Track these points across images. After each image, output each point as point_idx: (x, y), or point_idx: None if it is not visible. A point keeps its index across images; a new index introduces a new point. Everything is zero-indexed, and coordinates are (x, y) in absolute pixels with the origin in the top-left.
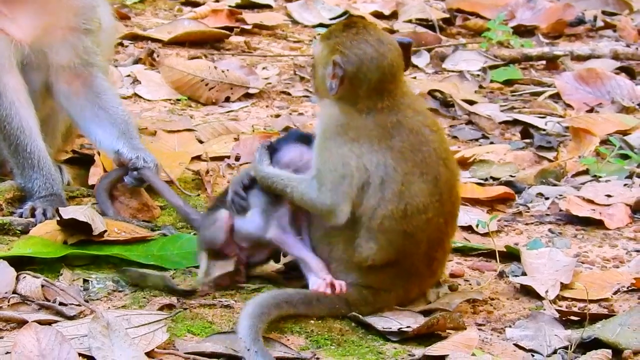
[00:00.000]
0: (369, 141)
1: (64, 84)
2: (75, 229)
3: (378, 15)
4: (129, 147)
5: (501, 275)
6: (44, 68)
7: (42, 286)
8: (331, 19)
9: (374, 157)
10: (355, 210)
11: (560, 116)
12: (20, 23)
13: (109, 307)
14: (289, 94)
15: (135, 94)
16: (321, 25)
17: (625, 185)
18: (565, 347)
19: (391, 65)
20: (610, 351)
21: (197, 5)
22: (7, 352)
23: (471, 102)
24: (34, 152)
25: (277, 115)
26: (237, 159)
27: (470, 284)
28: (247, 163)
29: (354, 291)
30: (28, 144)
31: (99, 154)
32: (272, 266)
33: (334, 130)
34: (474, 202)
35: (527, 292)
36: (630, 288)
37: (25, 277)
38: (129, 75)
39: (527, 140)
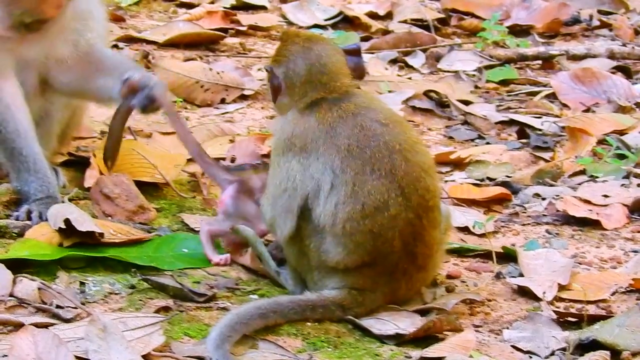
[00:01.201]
0: (315, 147)
1: (63, 70)
2: (72, 231)
3: (373, 15)
4: (138, 72)
5: (498, 276)
6: (40, 67)
7: (39, 289)
8: (326, 20)
9: (320, 165)
10: (314, 219)
11: (557, 116)
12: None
13: (105, 310)
14: None
15: None
16: (316, 26)
17: (622, 185)
18: (563, 349)
19: (319, 57)
20: (608, 352)
21: (192, 6)
22: (4, 356)
23: (467, 103)
24: (29, 155)
25: (272, 117)
26: (233, 160)
27: (467, 285)
28: (242, 164)
29: (343, 294)
30: (24, 147)
31: (94, 155)
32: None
33: (283, 144)
34: (470, 202)
35: (525, 293)
36: (628, 289)
37: (21, 280)
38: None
39: (524, 141)
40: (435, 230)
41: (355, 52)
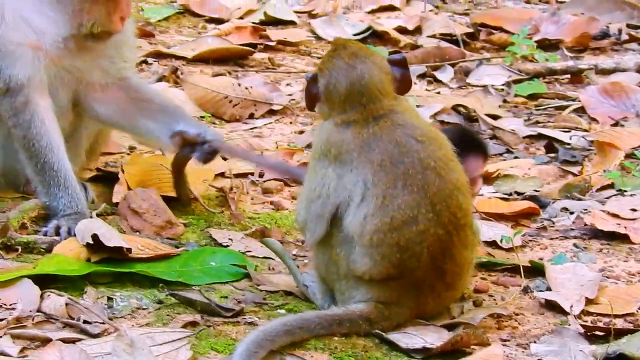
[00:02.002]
0: (349, 158)
1: (98, 92)
2: (99, 246)
3: (402, 30)
4: (191, 125)
5: (526, 290)
6: (73, 84)
7: (66, 304)
8: (355, 35)
9: (352, 176)
10: (344, 228)
11: (585, 130)
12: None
13: (132, 325)
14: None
15: None
16: None
17: None
18: None
19: (361, 77)
20: None
21: (221, 22)
22: None
23: (495, 117)
24: (60, 170)
25: (301, 132)
26: (261, 175)
27: (494, 299)
28: (272, 180)
29: (370, 307)
30: (55, 162)
31: (122, 171)
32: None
33: (320, 150)
34: (498, 217)
35: (552, 307)
36: None
37: (49, 295)
38: None
39: (552, 155)
40: (466, 250)
41: (400, 63)
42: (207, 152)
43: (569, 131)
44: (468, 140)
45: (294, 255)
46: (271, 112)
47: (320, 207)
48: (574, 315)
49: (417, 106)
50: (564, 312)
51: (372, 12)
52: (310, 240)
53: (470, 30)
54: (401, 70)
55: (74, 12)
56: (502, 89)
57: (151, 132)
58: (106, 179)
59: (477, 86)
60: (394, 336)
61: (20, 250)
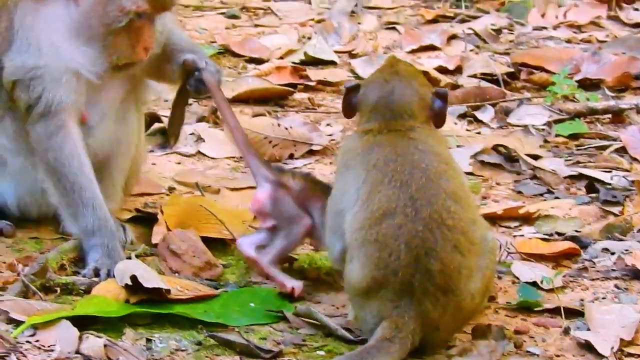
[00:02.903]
0: (352, 164)
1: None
2: (138, 288)
3: (442, 70)
4: (193, 55)
5: (566, 331)
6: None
7: (105, 346)
8: None
9: (351, 180)
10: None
11: (626, 170)
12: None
13: None
14: None
15: (199, 152)
16: None
17: None
18: None
19: (391, 92)
20: None
21: (261, 62)
22: None
23: (536, 157)
24: (89, 190)
25: None
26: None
27: (535, 341)
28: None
29: (383, 328)
30: (84, 182)
31: (162, 212)
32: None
33: (339, 161)
34: (539, 257)
35: (592, 348)
36: None
37: (88, 337)
38: (192, 133)
39: (593, 195)
40: (459, 254)
41: (442, 97)
42: (197, 79)
43: (610, 171)
44: None
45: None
46: (311, 152)
47: (334, 222)
48: (615, 356)
49: (457, 146)
50: (603, 354)
51: (413, 51)
52: (333, 261)
53: (511, 69)
54: (441, 103)
55: (102, 46)
56: (543, 129)
57: (168, 73)
58: (145, 220)
59: (517, 126)
60: None
61: (59, 291)
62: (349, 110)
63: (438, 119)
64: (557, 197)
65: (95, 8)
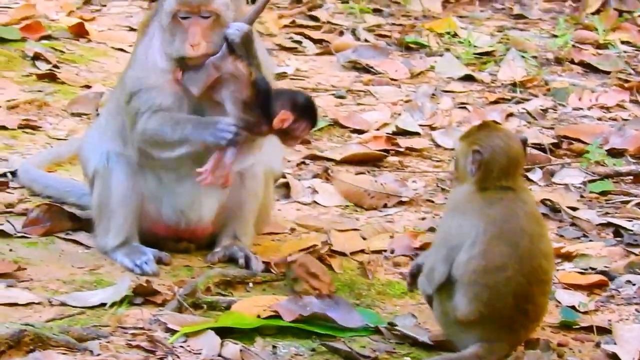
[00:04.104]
0: (471, 211)
1: None
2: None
3: None
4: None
5: (598, 345)
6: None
7: (240, 351)
8: None
9: (470, 225)
10: (452, 270)
11: None
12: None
13: None
14: (432, 201)
15: (314, 202)
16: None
17: None
18: None
19: (516, 154)
20: None
21: (362, 132)
22: None
23: (574, 209)
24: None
25: (423, 218)
26: (392, 251)
27: (573, 352)
28: (401, 256)
29: (478, 346)
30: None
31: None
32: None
33: (453, 205)
34: (577, 287)
35: (618, 358)
36: None
37: (227, 344)
38: (309, 187)
39: (619, 239)
40: (544, 297)
41: (524, 144)
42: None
43: (631, 220)
44: (306, 108)
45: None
46: (400, 203)
47: (444, 252)
48: None
49: None
50: None
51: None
52: (434, 284)
53: (555, 140)
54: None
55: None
56: (580, 187)
57: None
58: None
59: (560, 184)
60: None
61: (205, 307)
62: (467, 170)
63: None
64: (590, 240)
65: (161, 17)
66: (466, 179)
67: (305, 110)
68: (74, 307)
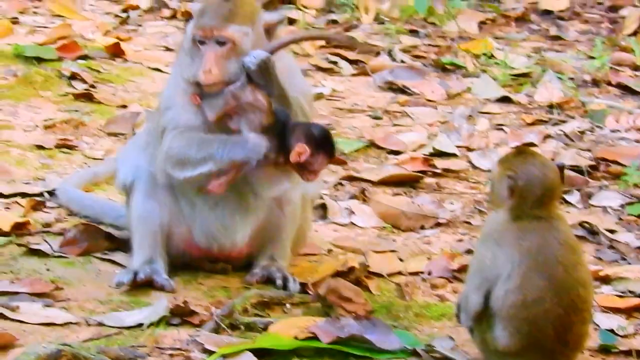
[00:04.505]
0: (506, 242)
1: None
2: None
3: None
4: None
5: None
6: None
7: None
8: None
9: (506, 256)
10: (490, 303)
11: None
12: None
13: None
14: (470, 223)
15: (352, 223)
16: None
17: None
18: None
19: (552, 183)
20: None
21: (399, 153)
22: None
23: (612, 231)
24: None
25: (460, 240)
26: (429, 273)
27: None
28: (438, 278)
29: None
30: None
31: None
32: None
33: (488, 234)
34: (615, 310)
35: None
36: None
37: None
38: (346, 208)
39: None
40: (584, 325)
41: (561, 169)
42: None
43: None
44: (323, 141)
45: None
46: (437, 225)
47: (478, 281)
48: None
49: None
50: None
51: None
52: (471, 312)
53: (593, 163)
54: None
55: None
56: (618, 210)
57: None
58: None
59: (598, 207)
60: None
61: (243, 328)
62: (501, 196)
63: None
64: (629, 263)
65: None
66: (501, 205)
67: (323, 144)
68: (111, 327)
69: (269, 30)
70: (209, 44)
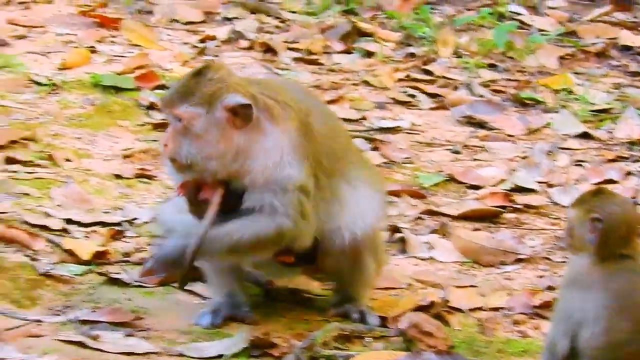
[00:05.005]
0: (593, 286)
1: None
2: None
3: None
4: None
5: None
6: None
7: None
8: None
9: (593, 299)
10: (576, 344)
11: None
12: None
13: None
14: (550, 259)
15: (431, 257)
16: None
17: None
18: None
19: (634, 220)
20: None
21: (479, 188)
22: None
23: None
24: None
25: (541, 276)
26: (511, 309)
27: None
28: (519, 314)
29: None
30: None
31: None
32: None
33: (573, 278)
34: None
35: None
36: None
37: None
38: (426, 242)
39: None
40: None
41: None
42: None
43: None
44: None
45: None
46: (518, 260)
47: (565, 326)
48: None
49: None
50: None
51: (596, 184)
52: (551, 351)
53: None
54: None
55: None
56: None
57: None
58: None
59: None
60: None
61: None
62: (584, 239)
63: None
64: None
65: None
66: (583, 249)
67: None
68: (192, 357)
69: (237, 113)
70: (169, 118)
